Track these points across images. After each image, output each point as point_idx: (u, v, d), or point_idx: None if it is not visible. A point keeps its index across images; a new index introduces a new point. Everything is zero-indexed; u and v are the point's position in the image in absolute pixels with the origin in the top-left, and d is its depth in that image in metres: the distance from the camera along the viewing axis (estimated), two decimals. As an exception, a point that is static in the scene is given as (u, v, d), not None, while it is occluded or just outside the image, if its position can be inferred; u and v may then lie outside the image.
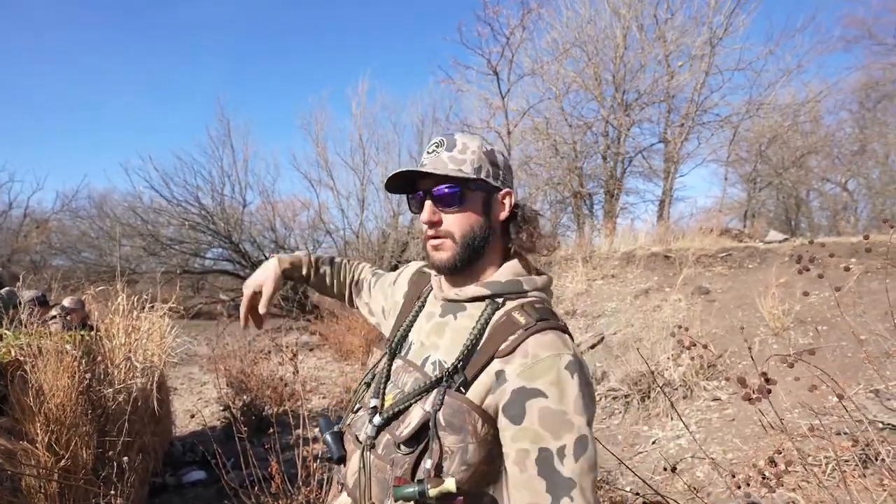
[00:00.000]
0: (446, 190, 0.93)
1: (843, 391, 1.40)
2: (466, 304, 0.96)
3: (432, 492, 0.82)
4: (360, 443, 0.96)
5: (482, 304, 0.94)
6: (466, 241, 0.94)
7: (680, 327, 1.85)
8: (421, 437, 0.87)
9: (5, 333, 2.72)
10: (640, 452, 3.61)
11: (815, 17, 11.69)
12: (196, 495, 3.81)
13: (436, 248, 0.96)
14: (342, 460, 0.99)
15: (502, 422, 0.84)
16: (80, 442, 1.96)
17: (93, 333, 3.02)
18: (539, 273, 1.00)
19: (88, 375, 2.17)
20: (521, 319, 0.88)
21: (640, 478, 1.83)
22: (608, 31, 10.53)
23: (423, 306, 1.05)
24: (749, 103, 10.51)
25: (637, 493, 2.80)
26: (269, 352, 8.15)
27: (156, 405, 3.07)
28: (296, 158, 23.90)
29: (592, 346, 5.42)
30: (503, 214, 0.98)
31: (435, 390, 0.88)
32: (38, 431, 1.73)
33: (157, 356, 3.51)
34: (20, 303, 2.84)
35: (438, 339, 0.96)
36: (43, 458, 1.71)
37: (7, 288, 3.29)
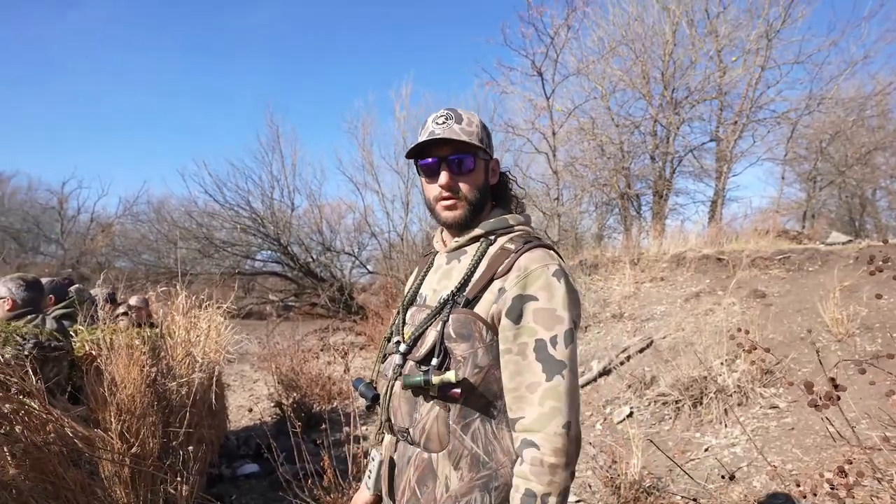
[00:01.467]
0: (461, 156, 1.10)
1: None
2: (466, 248, 1.15)
3: (435, 379, 0.99)
4: (389, 377, 1.13)
5: (478, 243, 1.13)
6: (474, 201, 1.12)
7: (740, 330, 1.78)
8: (435, 355, 1.04)
9: (80, 329, 2.91)
10: (692, 460, 3.49)
11: (885, 4, 10.93)
12: (250, 487, 3.95)
13: (448, 207, 1.12)
14: (376, 399, 1.15)
15: (505, 323, 1.02)
16: (148, 431, 2.08)
17: (157, 331, 3.19)
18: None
19: (154, 369, 2.29)
20: (512, 246, 1.07)
21: (695, 481, 1.77)
22: (657, 28, 10.25)
23: (431, 266, 1.23)
24: (809, 98, 9.98)
25: (693, 500, 2.72)
26: (319, 351, 8.37)
27: (213, 399, 3.21)
28: (342, 162, 24.46)
29: (641, 350, 5.28)
30: (493, 179, 1.18)
31: (443, 311, 1.06)
32: (112, 420, 1.85)
33: (215, 352, 3.67)
34: (92, 300, 3.03)
35: (448, 281, 1.13)
36: (116, 444, 1.82)
37: (76, 286, 3.52)
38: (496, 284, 1.04)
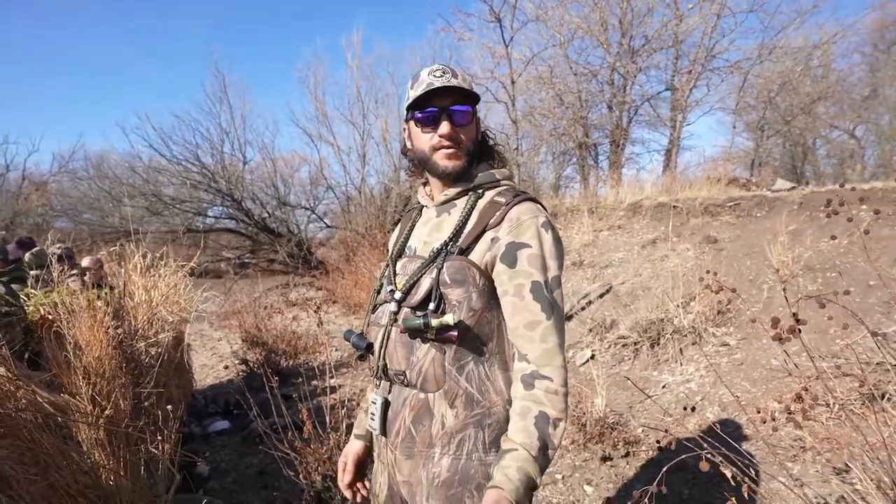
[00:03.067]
0: (462, 108, 1.13)
1: (868, 329, 1.43)
2: (455, 202, 1.19)
3: (434, 322, 1.04)
4: (383, 324, 1.17)
5: (467, 196, 1.17)
6: (471, 150, 1.17)
7: (708, 272, 1.87)
8: (431, 300, 1.09)
9: (33, 293, 2.76)
10: (650, 397, 3.72)
11: (833, -47, 11.13)
12: (223, 443, 3.96)
13: (449, 156, 1.14)
14: (370, 348, 1.19)
15: (500, 267, 1.08)
16: (119, 393, 2.02)
17: (114, 291, 3.06)
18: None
19: (119, 331, 2.21)
20: (502, 199, 1.12)
21: (654, 415, 1.89)
22: (615, -27, 10.09)
23: (418, 220, 1.26)
24: (761, 47, 10.20)
25: (652, 428, 2.91)
26: (282, 306, 8.28)
27: (182, 357, 3.15)
28: (294, 114, 23.56)
29: (601, 296, 5.50)
30: (479, 131, 1.22)
31: (437, 260, 1.11)
32: (81, 384, 1.79)
33: (178, 311, 3.57)
34: (50, 262, 2.86)
35: (439, 233, 1.16)
36: (87, 408, 1.77)
37: (37, 248, 3.30)
38: (489, 234, 1.09)
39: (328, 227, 16.88)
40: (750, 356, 3.72)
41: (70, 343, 1.90)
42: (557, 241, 1.11)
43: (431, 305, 1.08)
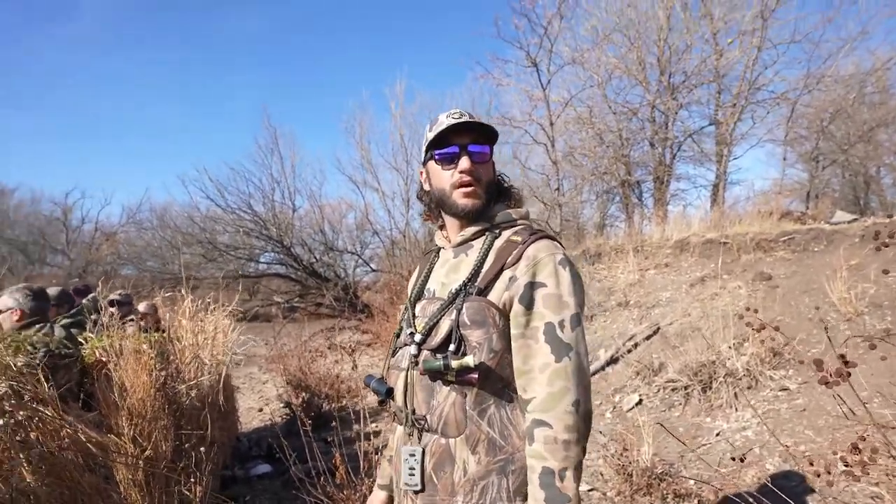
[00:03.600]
0: (481, 148, 1.15)
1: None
2: (472, 242, 1.18)
3: (454, 364, 1.02)
4: (404, 368, 1.15)
5: (483, 237, 1.17)
6: (489, 188, 1.18)
7: (748, 310, 1.78)
8: (451, 342, 1.07)
9: (89, 336, 2.93)
10: (704, 444, 3.49)
11: (880, -20, 10.85)
12: (264, 487, 3.98)
13: (468, 195, 1.15)
14: (390, 393, 1.18)
15: (517, 309, 1.06)
16: (160, 435, 2.09)
17: (164, 335, 3.21)
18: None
19: (163, 373, 2.30)
20: (518, 238, 1.12)
21: (708, 465, 1.76)
22: (650, 13, 10.17)
23: (436, 262, 1.27)
24: (807, 77, 9.91)
25: (704, 483, 2.71)
26: (326, 350, 8.39)
27: (222, 401, 3.22)
28: (340, 162, 24.45)
29: (648, 338, 5.28)
30: (496, 174, 1.23)
31: (456, 301, 1.10)
32: (124, 425, 1.86)
33: (222, 354, 3.69)
34: (101, 307, 3.05)
35: (457, 274, 1.16)
36: (129, 448, 1.83)
37: (92, 294, 3.53)
38: (506, 274, 1.09)
39: (374, 270, 17.19)
40: (813, 402, 3.45)
41: (117, 384, 1.99)
42: (576, 277, 1.09)
43: (452, 347, 1.07)
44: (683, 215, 8.90)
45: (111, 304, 3.61)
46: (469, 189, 1.14)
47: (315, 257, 15.98)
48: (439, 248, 1.29)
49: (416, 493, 1.12)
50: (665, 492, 2.90)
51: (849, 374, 1.30)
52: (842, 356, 1.30)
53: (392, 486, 1.29)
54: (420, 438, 1.13)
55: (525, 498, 1.04)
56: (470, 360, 1.02)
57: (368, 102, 25.51)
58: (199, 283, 14.24)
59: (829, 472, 1.50)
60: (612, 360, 5.20)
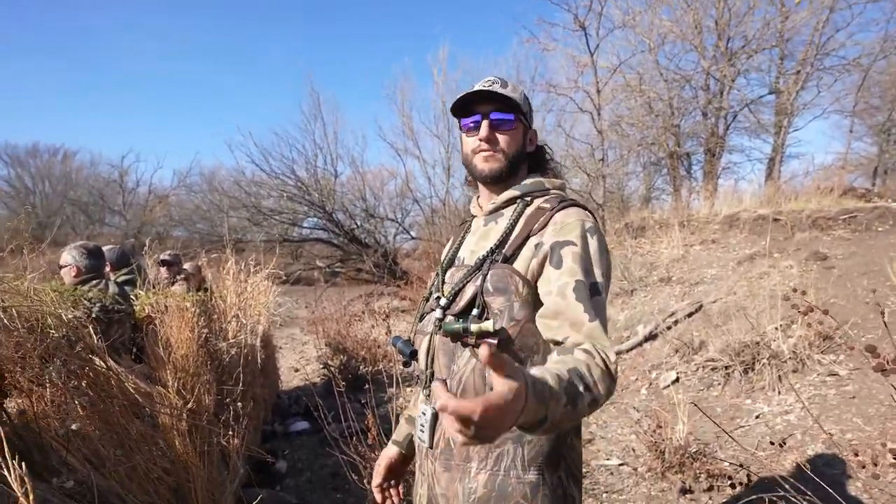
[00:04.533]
0: (503, 115, 1.14)
1: None
2: (503, 210, 1.18)
3: (473, 327, 1.02)
4: (428, 332, 1.16)
5: (514, 205, 1.16)
6: (511, 156, 1.16)
7: (795, 290, 1.68)
8: (474, 307, 1.06)
9: (140, 293, 3.08)
10: (742, 426, 3.40)
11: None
12: (301, 443, 4.16)
13: (486, 159, 1.15)
14: (414, 355, 1.18)
15: (547, 269, 1.03)
16: (202, 388, 2.19)
17: (207, 294, 3.34)
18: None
19: (206, 331, 2.40)
20: (548, 205, 1.11)
21: (744, 447, 1.71)
22: (711, -29, 9.52)
23: (469, 231, 1.26)
24: (885, 40, 9.09)
25: (739, 466, 2.65)
26: (363, 314, 8.59)
27: (261, 359, 3.35)
28: (382, 129, 24.40)
29: (689, 315, 5.13)
30: (530, 147, 1.21)
31: (482, 268, 1.08)
32: (168, 378, 1.96)
33: (263, 315, 3.82)
34: (145, 269, 3.18)
35: (486, 241, 1.15)
36: (174, 400, 1.93)
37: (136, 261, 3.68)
38: (533, 241, 1.07)
39: (413, 238, 17.33)
40: (864, 389, 3.28)
41: (162, 340, 2.09)
42: (603, 249, 1.06)
43: (475, 312, 1.06)
44: (735, 190, 8.51)
45: (161, 263, 3.78)
46: (487, 153, 1.15)
47: (356, 223, 16.20)
48: (473, 217, 1.28)
49: (431, 451, 1.15)
50: (698, 471, 2.86)
51: (905, 363, 1.21)
52: (898, 343, 1.22)
53: (404, 443, 1.33)
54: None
55: (540, 468, 1.04)
56: (489, 325, 1.01)
57: (411, 69, 25.39)
58: (244, 246, 14.77)
59: (875, 464, 1.43)
60: (651, 337, 5.10)
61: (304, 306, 9.86)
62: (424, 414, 1.17)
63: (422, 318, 1.24)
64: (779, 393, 3.60)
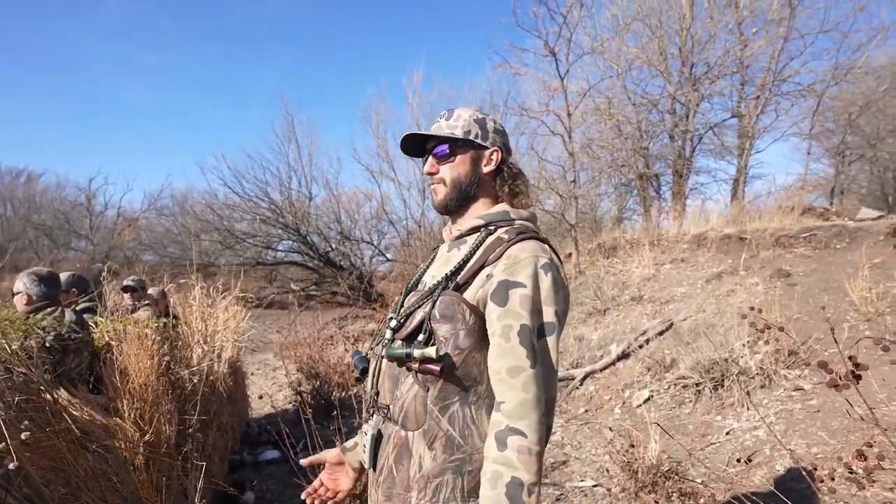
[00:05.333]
0: (440, 147, 1.18)
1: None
2: (467, 238, 1.18)
3: (416, 353, 1.02)
4: (379, 355, 1.17)
5: (477, 234, 1.16)
6: (455, 185, 1.18)
7: (752, 309, 1.71)
8: (420, 333, 1.07)
9: (100, 321, 2.98)
10: (713, 444, 3.43)
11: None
12: (271, 472, 4.03)
13: (434, 191, 1.21)
14: (365, 373, 1.20)
15: (490, 306, 1.03)
16: (162, 419, 2.11)
17: (170, 320, 3.24)
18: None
19: (167, 358, 2.32)
20: (506, 236, 1.10)
21: (715, 465, 1.72)
22: (673, 2, 9.93)
23: (435, 258, 1.27)
24: (835, 68, 9.57)
25: (711, 481, 2.66)
26: (337, 338, 8.45)
27: (229, 386, 3.25)
28: (357, 151, 24.52)
29: (660, 333, 5.20)
30: (488, 168, 1.20)
31: (434, 294, 1.09)
32: (125, 408, 1.88)
33: (230, 340, 3.72)
34: (107, 293, 3.09)
35: (446, 268, 1.15)
36: (130, 432, 1.85)
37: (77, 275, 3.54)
38: (486, 271, 1.07)
39: (389, 260, 17.25)
40: (828, 403, 3.35)
41: (119, 368, 2.01)
42: (559, 286, 1.06)
43: (421, 337, 1.06)
44: (702, 210, 8.73)
45: (123, 289, 3.67)
46: (432, 187, 1.22)
47: (331, 246, 16.07)
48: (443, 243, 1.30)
49: (374, 476, 1.14)
50: (670, 490, 2.86)
51: (859, 378, 1.24)
52: (851, 358, 1.25)
53: (350, 447, 1.32)
54: (383, 423, 1.14)
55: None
56: (432, 351, 1.01)
57: (386, 91, 25.54)
58: (216, 270, 14.47)
59: (832, 479, 1.44)
60: (624, 356, 5.14)
61: (277, 330, 9.66)
62: (366, 433, 1.16)
63: (378, 340, 1.23)
64: (747, 408, 3.65)
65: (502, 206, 1.19)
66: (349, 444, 1.33)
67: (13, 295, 2.68)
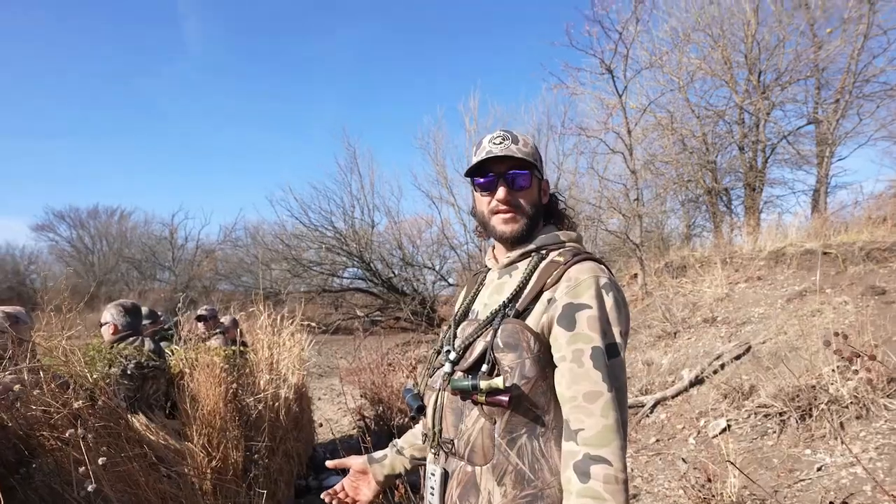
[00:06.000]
0: (519, 172, 1.12)
1: None
2: (518, 264, 1.15)
3: (483, 384, 0.98)
4: (437, 388, 1.14)
5: (529, 258, 1.14)
6: (531, 214, 1.14)
7: (837, 335, 1.55)
8: (483, 363, 1.03)
9: (176, 349, 3.17)
10: (802, 480, 3.12)
11: None
12: (336, 499, 4.06)
13: (506, 221, 1.13)
14: (422, 410, 1.16)
15: (557, 331, 1.00)
16: (229, 445, 2.19)
17: (238, 348, 3.40)
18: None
19: (235, 385, 2.43)
20: (561, 259, 1.08)
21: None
22: (735, 8, 9.54)
23: (483, 284, 1.24)
24: (928, 64, 8.78)
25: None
26: (399, 364, 8.52)
27: (295, 412, 3.34)
28: (416, 178, 24.98)
29: (737, 357, 4.85)
30: (545, 198, 1.20)
31: (493, 322, 1.06)
32: (194, 434, 1.97)
33: (297, 367, 3.84)
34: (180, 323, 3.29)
35: (499, 295, 1.13)
36: (199, 457, 1.94)
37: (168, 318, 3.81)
38: (546, 296, 1.04)
39: (451, 285, 17.34)
40: (940, 437, 2.98)
41: (188, 395, 2.12)
42: (621, 304, 1.02)
43: (484, 368, 1.03)
44: (779, 224, 8.16)
45: (197, 318, 3.90)
46: (507, 216, 1.13)
47: (393, 272, 16.39)
48: (488, 269, 1.26)
49: None
50: (754, 532, 2.62)
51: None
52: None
53: (377, 460, 1.32)
54: (446, 459, 1.10)
55: None
56: (499, 382, 0.97)
57: (443, 119, 25.98)
58: (286, 298, 15.11)
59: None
60: (697, 381, 4.83)
61: (341, 357, 9.89)
62: (433, 475, 1.11)
63: (432, 373, 1.21)
64: (841, 442, 3.30)
65: (550, 229, 1.17)
66: (378, 454, 1.32)
67: (101, 325, 2.92)
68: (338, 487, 1.32)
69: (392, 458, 1.32)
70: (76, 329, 2.19)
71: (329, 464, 1.34)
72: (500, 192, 1.11)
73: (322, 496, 1.31)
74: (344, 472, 1.37)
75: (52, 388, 1.45)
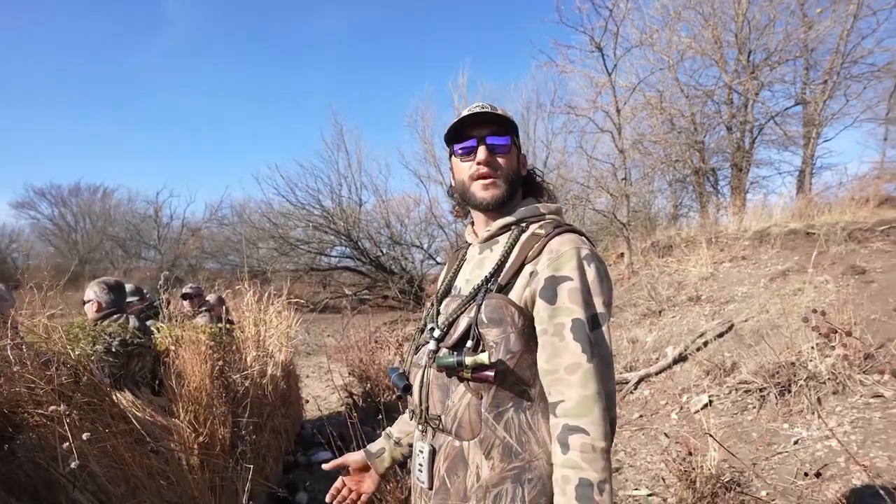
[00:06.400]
0: (499, 139, 1.11)
1: None
2: (498, 238, 1.14)
3: (468, 360, 0.98)
4: (422, 366, 1.13)
5: (509, 232, 1.12)
6: (510, 180, 1.13)
7: (815, 311, 1.58)
8: (468, 340, 1.03)
9: (162, 326, 3.14)
10: (779, 454, 3.22)
11: None
12: (324, 474, 4.11)
13: (486, 186, 1.11)
14: (408, 389, 1.15)
15: (539, 304, 1.00)
16: (216, 421, 2.19)
17: (224, 326, 3.38)
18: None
19: (221, 362, 2.42)
20: (542, 231, 1.07)
21: (782, 477, 1.60)
22: (728, -13, 9.47)
23: (464, 260, 1.23)
24: (916, 46, 8.83)
25: (774, 499, 2.50)
26: (387, 342, 8.56)
27: (283, 388, 3.35)
28: (404, 157, 24.83)
29: (720, 335, 4.94)
30: (524, 171, 1.19)
31: (476, 298, 1.06)
32: (181, 411, 1.97)
33: (283, 345, 3.84)
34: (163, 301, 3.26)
35: (481, 270, 1.12)
36: (185, 433, 1.94)
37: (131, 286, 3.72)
38: (528, 269, 1.04)
39: (439, 263, 17.35)
40: (913, 411, 3.08)
41: (174, 372, 2.11)
42: (603, 275, 1.02)
43: (469, 344, 1.03)
44: (764, 204, 8.25)
45: (182, 296, 3.86)
46: (488, 181, 1.11)
47: (381, 251, 16.36)
48: (469, 245, 1.25)
49: (429, 490, 1.10)
50: (731, 502, 2.70)
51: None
52: (929, 364, 1.13)
53: (374, 454, 1.34)
54: (433, 436, 1.11)
55: None
56: (485, 357, 0.98)
57: (432, 97, 25.71)
58: (273, 277, 15.03)
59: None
60: (681, 359, 4.92)
61: (329, 335, 9.91)
62: (422, 452, 1.12)
63: (417, 350, 1.21)
64: (818, 417, 3.40)
65: (530, 201, 1.16)
66: (374, 448, 1.33)
67: (84, 303, 2.88)
68: (339, 485, 1.34)
69: (390, 450, 1.33)
70: (59, 307, 2.16)
71: (326, 466, 1.34)
72: (481, 152, 1.10)
73: (327, 499, 1.33)
74: (332, 445, 1.37)
75: (36, 364, 1.43)
